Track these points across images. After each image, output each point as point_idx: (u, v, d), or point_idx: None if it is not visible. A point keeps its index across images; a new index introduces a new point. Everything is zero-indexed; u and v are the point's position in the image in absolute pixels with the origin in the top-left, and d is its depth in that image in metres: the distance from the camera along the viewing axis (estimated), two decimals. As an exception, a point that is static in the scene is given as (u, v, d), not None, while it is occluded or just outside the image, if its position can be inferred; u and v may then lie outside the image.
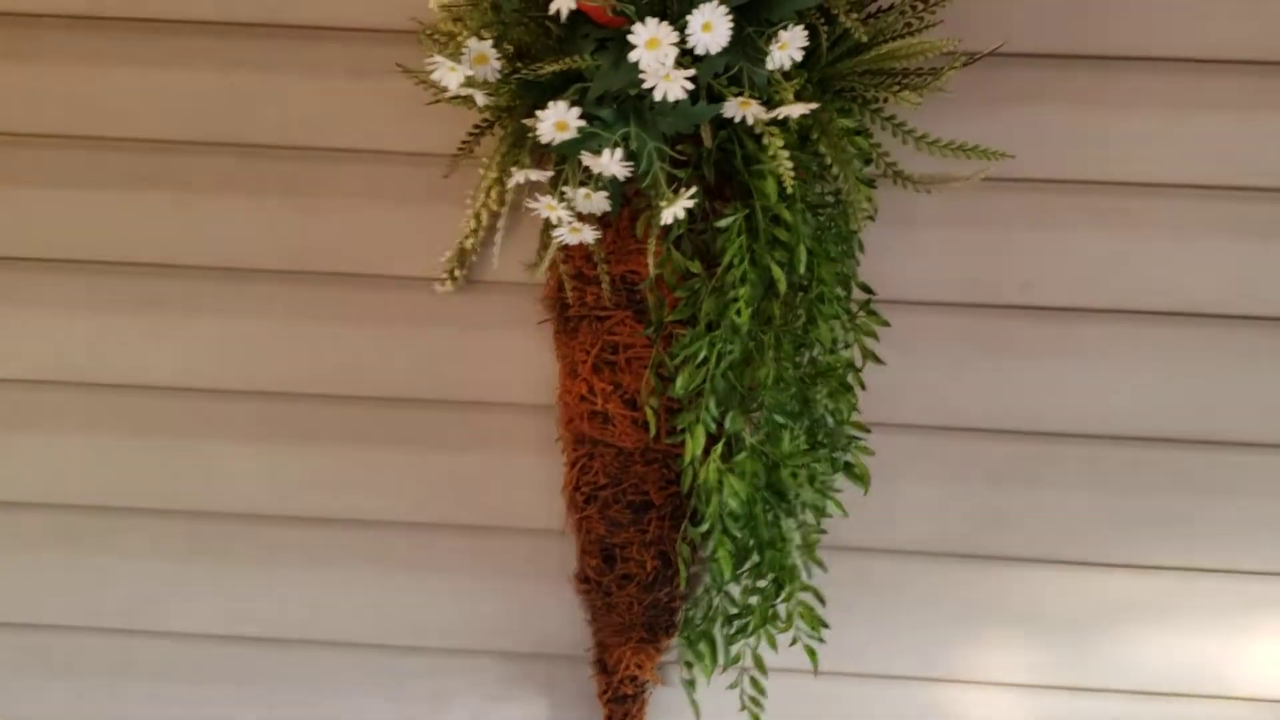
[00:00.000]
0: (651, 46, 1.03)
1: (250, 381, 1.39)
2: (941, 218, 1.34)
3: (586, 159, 1.07)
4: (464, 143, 1.27)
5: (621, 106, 1.10)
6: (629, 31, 1.03)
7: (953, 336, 1.35)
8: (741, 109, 1.09)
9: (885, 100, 1.19)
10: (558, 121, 1.07)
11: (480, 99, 1.10)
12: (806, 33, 1.07)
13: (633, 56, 1.03)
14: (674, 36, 1.03)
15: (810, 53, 1.20)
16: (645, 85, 1.05)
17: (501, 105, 1.20)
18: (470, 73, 1.09)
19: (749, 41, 1.10)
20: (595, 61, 1.08)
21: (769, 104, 1.11)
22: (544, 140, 1.08)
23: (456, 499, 1.40)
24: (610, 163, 1.06)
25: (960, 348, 1.35)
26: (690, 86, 1.05)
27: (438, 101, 1.16)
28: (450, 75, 1.09)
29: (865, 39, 1.13)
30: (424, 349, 1.38)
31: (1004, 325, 1.35)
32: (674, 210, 1.08)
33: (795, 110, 1.07)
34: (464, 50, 1.10)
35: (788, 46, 1.08)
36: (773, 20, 1.09)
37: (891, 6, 1.21)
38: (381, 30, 1.33)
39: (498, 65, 1.11)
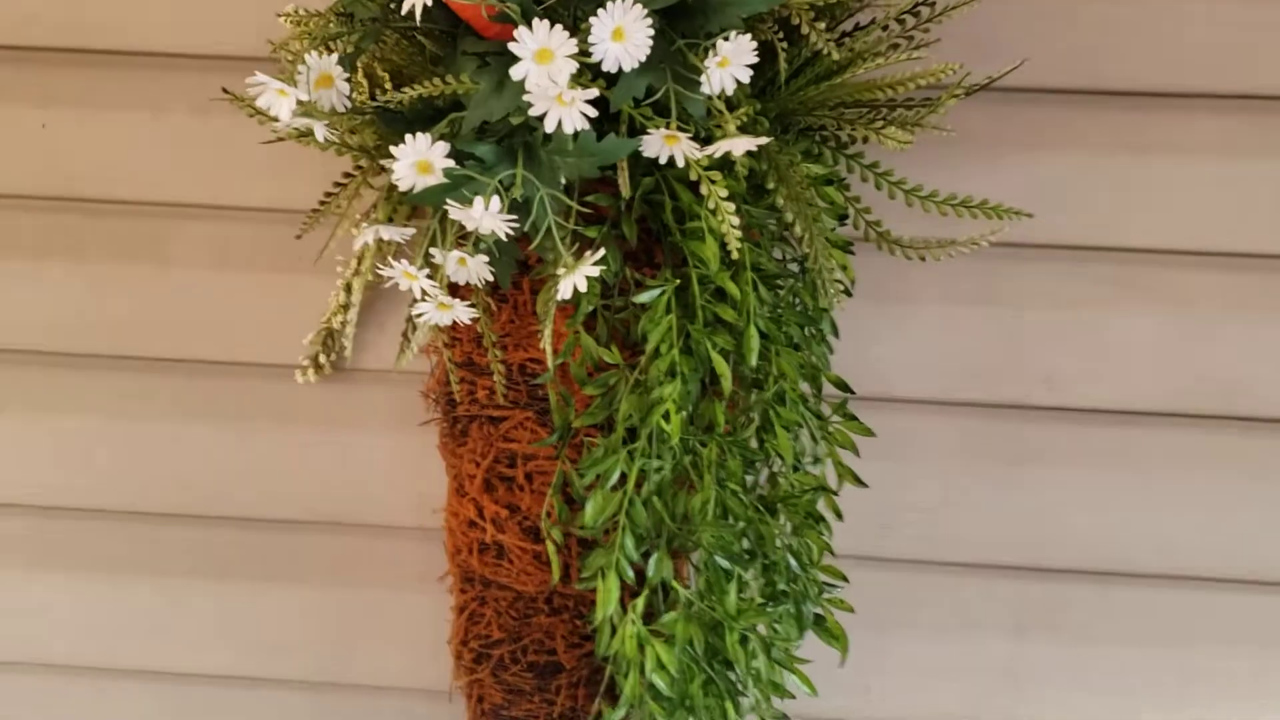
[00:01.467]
0: (542, 59, 0.76)
1: (60, 495, 1.10)
2: (939, 292, 1.06)
3: (454, 212, 0.78)
4: (327, 195, 0.99)
5: (507, 142, 0.82)
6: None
7: (956, 446, 1.06)
8: (667, 145, 0.81)
9: (865, 140, 0.92)
10: (419, 162, 0.79)
11: (321, 133, 0.82)
12: (755, 46, 0.79)
13: (517, 73, 0.76)
14: (572, 46, 0.75)
15: (766, 79, 0.92)
16: (533, 112, 0.77)
17: (368, 145, 0.93)
18: (305, 98, 0.81)
19: (679, 57, 0.82)
20: (474, 84, 0.81)
21: (706, 140, 0.84)
22: (401, 186, 0.80)
23: (315, 649, 1.09)
24: (485, 215, 0.77)
25: (966, 461, 1.06)
26: (593, 113, 0.77)
27: (279, 140, 0.88)
28: (280, 101, 0.81)
29: (838, 60, 0.85)
30: (281, 455, 1.09)
31: (1022, 431, 1.06)
32: (575, 280, 0.79)
33: (739, 145, 0.79)
34: (300, 69, 0.82)
35: (730, 63, 0.80)
36: (711, 30, 0.81)
37: (873, 21, 0.94)
38: (233, 57, 1.06)
39: (347, 89, 0.83)
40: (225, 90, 0.90)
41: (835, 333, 0.95)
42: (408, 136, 0.79)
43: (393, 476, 1.08)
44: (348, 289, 1.04)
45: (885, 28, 0.92)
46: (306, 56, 0.82)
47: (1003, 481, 1.07)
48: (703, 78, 0.80)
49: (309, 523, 1.09)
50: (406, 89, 0.83)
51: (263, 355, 1.08)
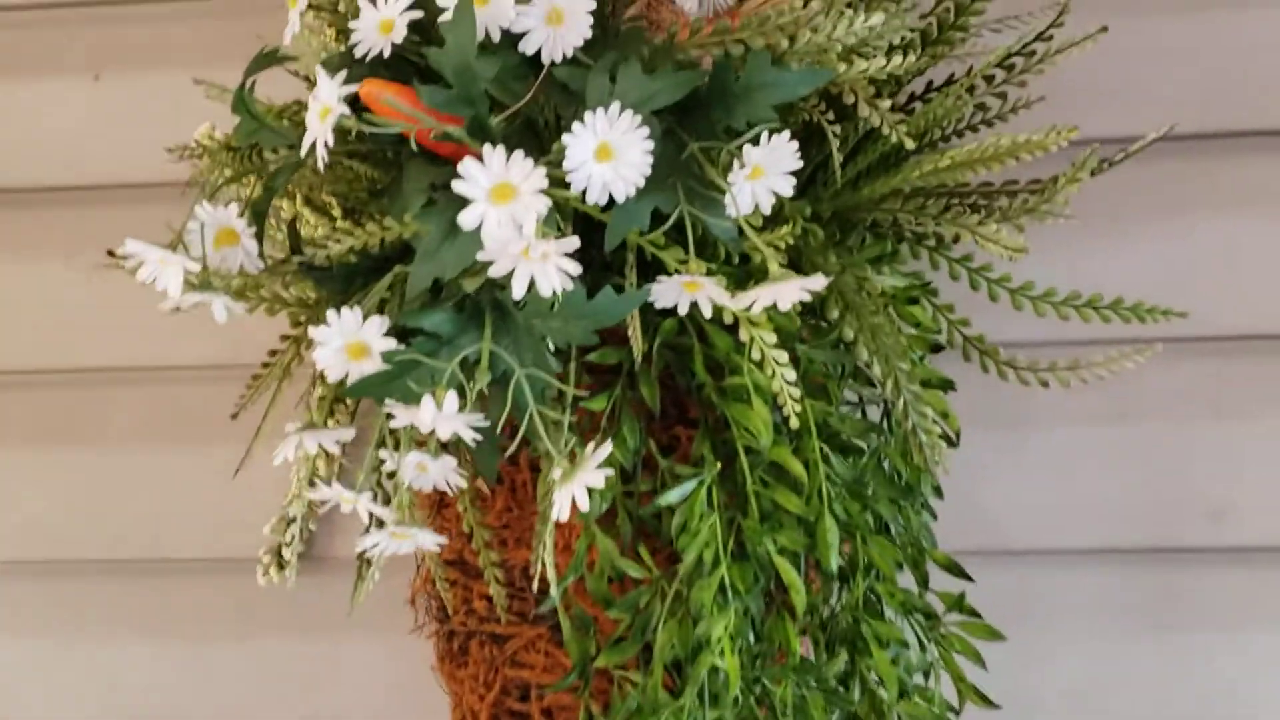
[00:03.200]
0: (501, 198, 0.54)
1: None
2: (1065, 409, 0.82)
3: (396, 411, 0.57)
4: (265, 363, 0.77)
5: (471, 303, 0.60)
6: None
7: (1100, 608, 0.82)
8: (687, 292, 0.58)
9: (956, 240, 0.69)
10: (350, 345, 0.58)
11: (221, 311, 0.61)
12: (797, 147, 0.57)
13: (468, 219, 0.54)
14: (539, 177, 0.53)
15: (814, 164, 0.70)
16: (494, 271, 0.55)
17: (308, 299, 0.71)
18: (194, 267, 0.60)
19: (694, 167, 0.59)
20: (422, 226, 0.59)
21: (741, 272, 0.61)
22: (329, 376, 0.59)
23: None
24: (439, 418, 0.55)
25: (1115, 625, 0.82)
26: (575, 268, 0.54)
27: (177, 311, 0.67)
28: (166, 272, 0.60)
29: (910, 143, 0.62)
30: (241, 668, 0.88)
31: (1185, 580, 0.82)
32: (573, 491, 0.57)
33: (786, 295, 0.57)
34: (190, 226, 0.61)
35: (764, 173, 0.57)
36: (735, 126, 0.59)
37: (950, 79, 0.70)
38: (148, 185, 0.86)
39: (255, 247, 0.62)
40: (111, 253, 0.69)
41: (939, 494, 0.72)
42: (330, 314, 0.57)
43: (373, 696, 0.86)
44: (312, 466, 0.83)
45: (971, 88, 0.69)
46: (197, 209, 0.61)
47: (1163, 648, 0.82)
48: (728, 195, 0.57)
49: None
50: (332, 238, 0.62)
51: (215, 549, 0.87)
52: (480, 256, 0.54)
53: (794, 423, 0.61)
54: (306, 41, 0.74)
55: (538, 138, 0.65)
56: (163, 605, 0.89)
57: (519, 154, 0.53)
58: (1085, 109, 0.79)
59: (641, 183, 0.55)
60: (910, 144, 0.61)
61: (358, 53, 0.62)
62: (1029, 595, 0.82)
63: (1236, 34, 0.81)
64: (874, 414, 0.72)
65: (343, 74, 0.55)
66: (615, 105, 0.54)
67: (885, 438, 0.68)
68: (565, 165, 0.54)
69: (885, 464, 0.69)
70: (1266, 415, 0.81)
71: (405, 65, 0.63)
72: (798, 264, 0.68)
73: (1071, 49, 0.69)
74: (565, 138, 0.54)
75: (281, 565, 0.85)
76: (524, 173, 0.53)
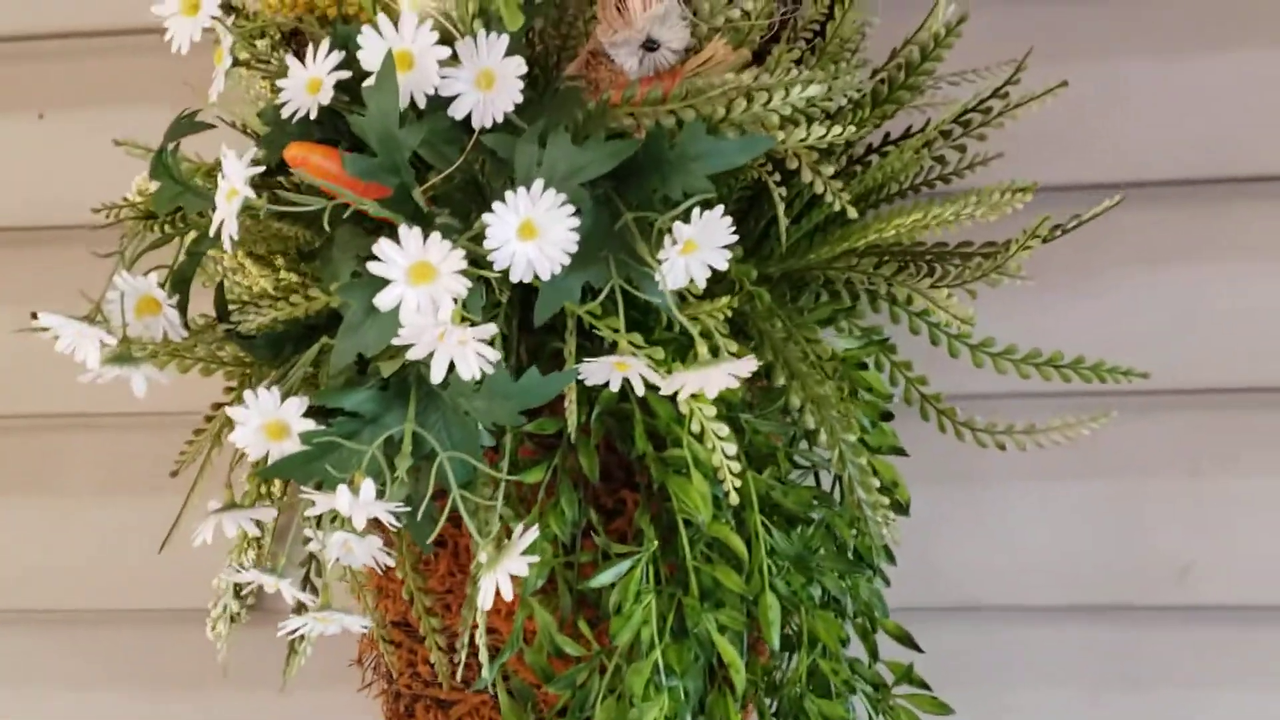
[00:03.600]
0: (420, 279, 0.52)
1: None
2: (1029, 465, 0.79)
3: (314, 498, 0.55)
4: (201, 426, 0.75)
5: (396, 381, 0.58)
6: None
7: (1067, 662, 0.80)
8: (619, 372, 0.56)
9: (909, 301, 0.66)
10: (268, 424, 0.56)
11: (140, 384, 0.59)
12: (730, 222, 0.55)
13: (385, 300, 0.52)
14: (458, 259, 0.51)
15: (761, 221, 0.68)
16: (413, 354, 0.53)
17: (244, 359, 0.69)
18: (108, 338, 0.58)
19: (625, 237, 0.57)
20: (342, 296, 0.57)
21: (684, 339, 0.59)
22: (250, 455, 0.57)
23: None
24: (355, 504, 0.53)
25: (1081, 679, 0.80)
26: (494, 355, 0.52)
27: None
28: (83, 343, 0.58)
29: (853, 211, 0.60)
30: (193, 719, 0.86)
31: (1149, 638, 0.80)
32: (497, 579, 0.55)
33: (714, 380, 0.55)
34: (109, 296, 0.59)
35: (697, 247, 0.55)
36: (671, 195, 0.57)
37: (906, 133, 0.68)
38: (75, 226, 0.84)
39: (177, 317, 0.60)
40: (34, 315, 0.67)
41: (891, 559, 0.70)
42: (247, 394, 0.55)
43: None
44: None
45: (929, 142, 0.66)
46: (116, 279, 0.59)
47: (1128, 707, 0.80)
48: (658, 272, 0.55)
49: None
50: (258, 309, 0.60)
51: (168, 599, 0.86)
52: (398, 340, 0.52)
53: (733, 499, 0.59)
54: (245, 88, 0.72)
55: (481, 194, 0.63)
56: (114, 655, 0.88)
57: (435, 236, 0.51)
58: (1044, 156, 0.77)
59: (567, 260, 0.53)
60: (853, 212, 0.59)
61: (285, 112, 0.60)
62: (990, 652, 0.81)
63: (1199, 81, 0.79)
64: (828, 478, 0.70)
65: (251, 153, 0.53)
66: (539, 183, 0.52)
67: (835, 505, 0.66)
68: (487, 244, 0.52)
69: (833, 540, 0.66)
70: (1231, 471, 0.79)
71: (338, 120, 0.61)
72: (744, 328, 0.66)
73: (1031, 103, 0.67)
74: (486, 217, 0.52)
75: (235, 617, 0.83)
76: (442, 253, 0.51)
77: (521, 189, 0.52)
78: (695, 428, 0.60)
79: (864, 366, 0.66)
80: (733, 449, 0.59)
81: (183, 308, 0.61)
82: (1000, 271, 0.63)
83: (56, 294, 0.87)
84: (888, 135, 0.70)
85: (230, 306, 0.65)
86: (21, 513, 0.89)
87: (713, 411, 0.59)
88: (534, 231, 0.53)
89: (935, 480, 0.78)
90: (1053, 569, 0.80)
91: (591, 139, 0.56)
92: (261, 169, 0.52)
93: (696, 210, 0.54)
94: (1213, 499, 0.79)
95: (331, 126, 0.61)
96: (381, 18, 0.56)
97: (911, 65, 0.63)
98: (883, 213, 0.68)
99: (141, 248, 0.61)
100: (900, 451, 0.67)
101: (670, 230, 0.55)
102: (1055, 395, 0.73)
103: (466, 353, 0.52)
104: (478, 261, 0.53)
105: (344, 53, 0.60)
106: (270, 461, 0.56)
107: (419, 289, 0.52)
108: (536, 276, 0.54)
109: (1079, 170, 0.78)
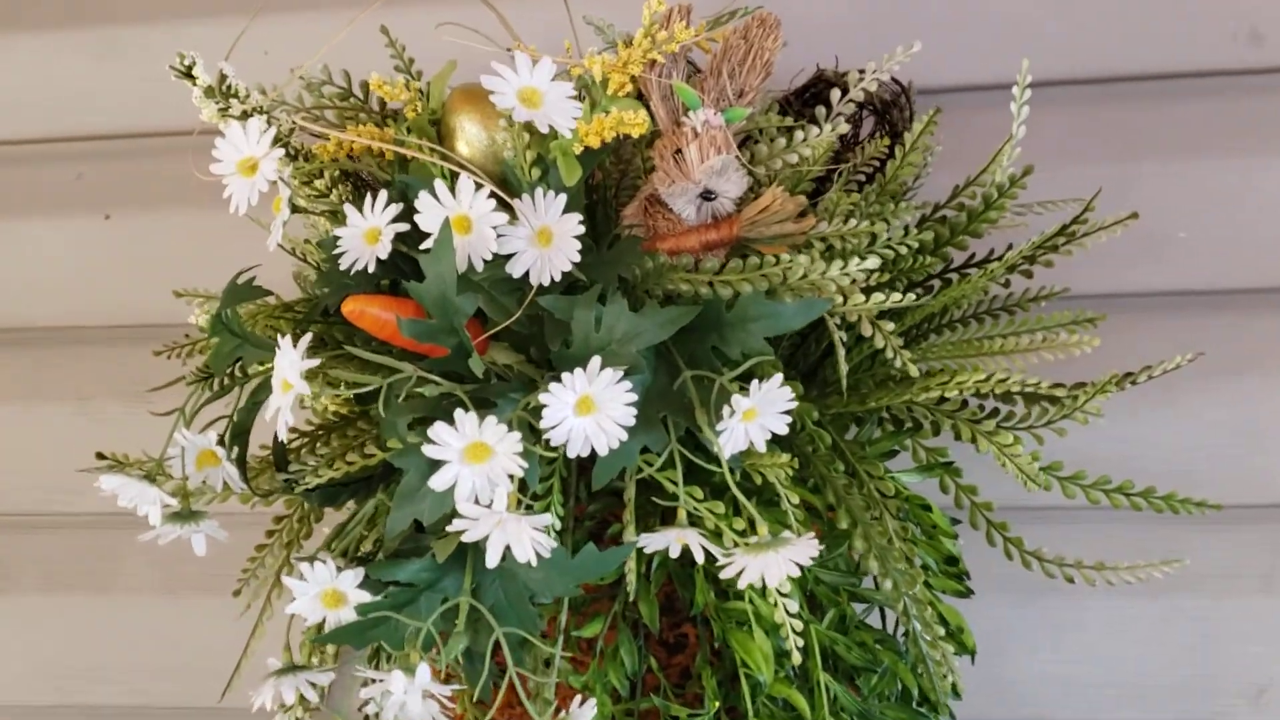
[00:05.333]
0: (476, 458, 0.51)
1: None
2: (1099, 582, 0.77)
3: (367, 689, 0.54)
4: (271, 531, 0.75)
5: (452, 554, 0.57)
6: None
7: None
8: (679, 542, 0.55)
9: (974, 440, 0.65)
10: (325, 592, 0.56)
11: (202, 543, 0.59)
12: (788, 392, 0.54)
13: (440, 481, 0.52)
14: (515, 441, 0.51)
15: (817, 356, 0.67)
16: (469, 536, 0.52)
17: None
18: (169, 500, 0.58)
19: (682, 397, 0.56)
20: (398, 462, 0.56)
21: (747, 486, 0.58)
22: (308, 620, 0.57)
23: None
24: (410, 688, 0.53)
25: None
26: (550, 544, 0.52)
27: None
28: (146, 500, 0.59)
29: (914, 371, 0.58)
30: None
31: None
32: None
33: (773, 569, 0.53)
34: (171, 452, 0.59)
35: (757, 414, 0.54)
36: (729, 354, 0.56)
37: (969, 262, 0.66)
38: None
39: (234, 471, 0.60)
40: (100, 455, 0.68)
41: (958, 695, 0.68)
42: (305, 567, 0.55)
43: None
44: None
45: (1006, 282, 0.64)
46: (177, 435, 0.59)
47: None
48: (716, 444, 0.54)
49: None
50: (315, 470, 0.60)
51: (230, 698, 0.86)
52: (453, 526, 0.52)
53: (795, 659, 0.58)
54: (311, 225, 0.72)
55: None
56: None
57: (491, 420, 0.50)
58: (1108, 266, 0.75)
59: (625, 436, 0.53)
60: (914, 372, 0.58)
61: (343, 263, 0.60)
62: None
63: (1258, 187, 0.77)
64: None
65: (305, 342, 0.52)
66: (596, 361, 0.51)
67: (898, 648, 0.65)
68: (543, 424, 0.52)
69: (896, 690, 0.65)
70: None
71: (399, 257, 0.60)
72: (803, 470, 0.64)
73: (1100, 232, 0.65)
74: (542, 396, 0.51)
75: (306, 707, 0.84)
76: (499, 435, 0.51)
77: (579, 370, 0.51)
78: (757, 583, 0.59)
79: (928, 509, 0.65)
80: (795, 605, 0.58)
81: (241, 461, 0.61)
82: (1072, 418, 0.61)
83: (111, 390, 0.89)
84: (949, 262, 0.69)
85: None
86: (77, 608, 0.90)
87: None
88: (592, 407, 0.52)
89: (1006, 590, 0.76)
90: (1126, 685, 0.78)
91: (648, 306, 0.55)
92: (315, 363, 0.52)
93: (755, 381, 0.53)
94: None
95: (393, 265, 0.61)
96: (438, 184, 0.56)
97: (974, 213, 0.61)
98: (943, 341, 0.67)
99: (200, 403, 0.61)
100: (964, 593, 0.65)
101: (729, 396, 0.54)
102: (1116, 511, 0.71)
103: (523, 537, 0.51)
104: (533, 428, 0.53)
105: (403, 204, 0.60)
106: (328, 627, 0.56)
107: (474, 468, 0.51)
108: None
109: (1146, 278, 0.76)
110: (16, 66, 0.91)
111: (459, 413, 0.50)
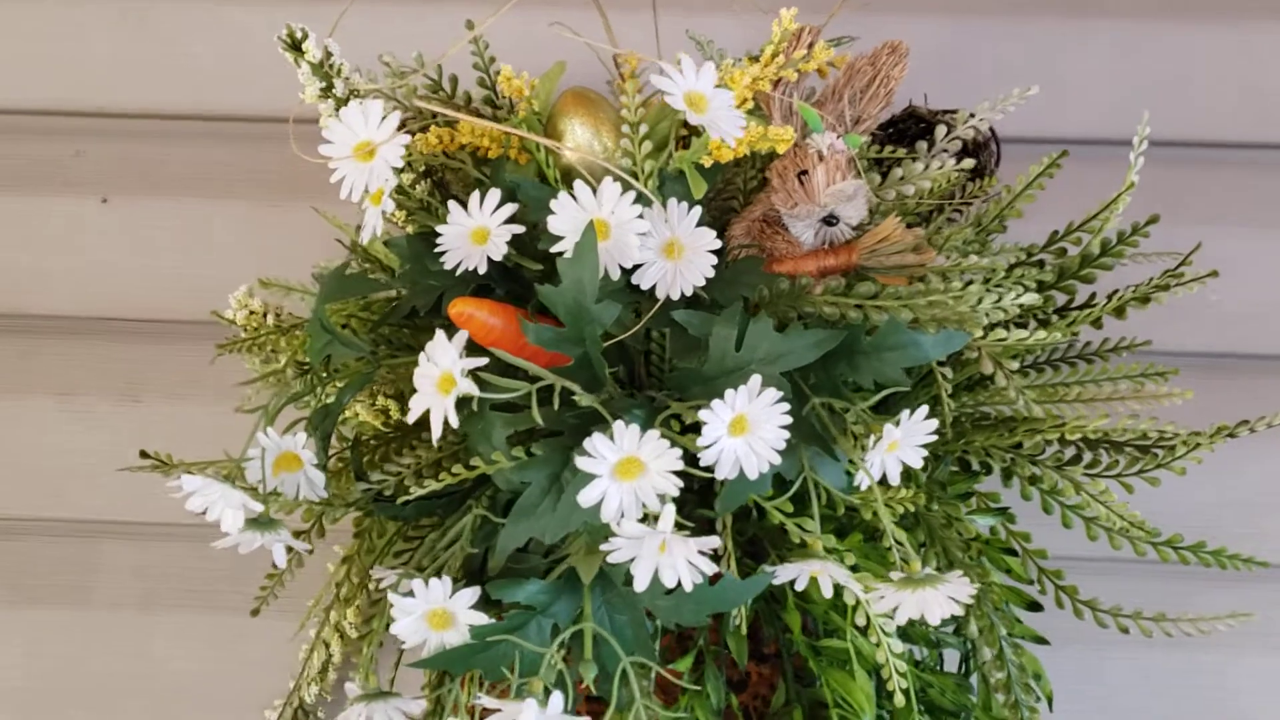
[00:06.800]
0: (627, 474, 0.48)
1: None
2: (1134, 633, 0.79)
3: (499, 708, 0.50)
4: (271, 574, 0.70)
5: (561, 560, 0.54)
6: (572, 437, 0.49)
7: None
8: (811, 574, 0.53)
9: (1052, 486, 0.65)
10: (435, 612, 0.52)
11: (281, 555, 0.55)
12: (933, 424, 0.53)
13: (588, 496, 0.48)
14: (674, 458, 0.48)
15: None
16: (616, 557, 0.49)
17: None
18: (254, 505, 0.53)
19: (812, 425, 0.55)
20: (518, 476, 0.53)
21: (842, 520, 0.57)
22: (406, 642, 0.52)
23: None
24: (540, 716, 0.49)
25: None
26: (710, 569, 0.49)
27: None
28: (226, 505, 0.53)
29: (1039, 411, 0.58)
30: None
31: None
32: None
33: (933, 607, 0.52)
34: (251, 451, 0.54)
35: (899, 446, 0.53)
36: (860, 384, 0.55)
37: (1070, 305, 0.67)
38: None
39: (320, 479, 0.56)
40: (143, 453, 0.62)
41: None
42: (415, 583, 0.51)
43: None
44: (326, 646, 0.76)
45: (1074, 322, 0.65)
46: (259, 435, 0.55)
47: None
48: (861, 470, 0.53)
49: None
50: (413, 481, 0.56)
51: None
52: (609, 548, 0.48)
53: (898, 700, 0.57)
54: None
55: (623, 355, 0.60)
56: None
57: (654, 433, 0.48)
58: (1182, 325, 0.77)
59: (778, 459, 0.50)
60: (1039, 413, 0.57)
61: (447, 263, 0.57)
62: None
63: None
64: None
65: (461, 340, 0.49)
66: (756, 379, 0.49)
67: (973, 694, 0.64)
68: (701, 440, 0.49)
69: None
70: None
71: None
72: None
73: (1179, 289, 0.66)
74: (703, 414, 0.49)
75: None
76: (658, 450, 0.48)
77: (743, 387, 0.49)
78: (860, 620, 0.57)
79: (1012, 552, 0.64)
80: (899, 646, 0.57)
81: (323, 467, 0.56)
82: (1167, 468, 0.62)
83: (101, 386, 0.82)
84: (1071, 300, 0.69)
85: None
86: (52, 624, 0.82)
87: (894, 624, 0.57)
88: (745, 427, 0.50)
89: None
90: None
91: (793, 327, 0.54)
92: (482, 361, 0.48)
93: (906, 412, 0.52)
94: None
95: (473, 271, 0.58)
96: (579, 185, 0.53)
97: (1089, 258, 0.61)
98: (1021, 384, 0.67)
99: (283, 401, 0.56)
100: (1042, 640, 0.65)
101: (874, 426, 0.52)
102: (1142, 563, 0.72)
103: (677, 562, 0.49)
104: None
105: (515, 203, 0.57)
106: (429, 651, 0.52)
107: (623, 485, 0.49)
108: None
109: (1213, 339, 0.79)
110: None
111: (618, 425, 0.48)
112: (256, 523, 0.54)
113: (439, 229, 0.57)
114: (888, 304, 0.53)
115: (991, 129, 0.70)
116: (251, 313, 0.68)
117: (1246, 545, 0.67)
